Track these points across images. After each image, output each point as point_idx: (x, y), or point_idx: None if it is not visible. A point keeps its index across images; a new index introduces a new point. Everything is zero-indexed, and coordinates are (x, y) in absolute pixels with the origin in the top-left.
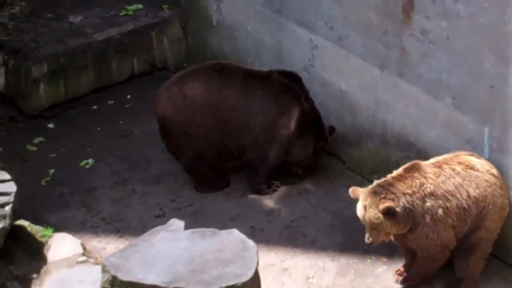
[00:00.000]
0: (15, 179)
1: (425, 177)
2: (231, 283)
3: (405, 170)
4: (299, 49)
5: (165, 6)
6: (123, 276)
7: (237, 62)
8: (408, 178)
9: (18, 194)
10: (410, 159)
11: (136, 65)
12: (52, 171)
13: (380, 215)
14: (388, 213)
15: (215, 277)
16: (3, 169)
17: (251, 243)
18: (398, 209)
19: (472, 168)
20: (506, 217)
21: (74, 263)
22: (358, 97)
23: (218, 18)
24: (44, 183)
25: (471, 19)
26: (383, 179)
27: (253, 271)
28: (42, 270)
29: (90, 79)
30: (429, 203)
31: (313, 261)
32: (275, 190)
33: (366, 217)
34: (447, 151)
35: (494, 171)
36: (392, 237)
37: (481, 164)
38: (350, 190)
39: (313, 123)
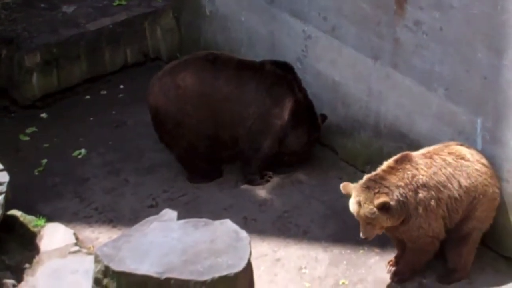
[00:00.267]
0: (7, 169)
1: (417, 169)
2: (223, 273)
3: (396, 161)
4: (292, 39)
5: None
6: (116, 266)
7: (230, 53)
8: (400, 170)
9: (10, 184)
10: (403, 150)
11: (129, 55)
12: (45, 161)
13: (375, 210)
14: (384, 207)
15: (208, 267)
16: None
17: (243, 233)
18: (392, 203)
19: (462, 158)
20: (498, 209)
21: (66, 253)
22: (351, 88)
23: (211, 8)
24: (36, 173)
25: (464, 10)
26: (373, 173)
27: (245, 261)
28: (34, 260)
29: (83, 69)
30: (421, 194)
31: (305, 252)
32: (268, 181)
33: (360, 213)
34: (440, 142)
35: (484, 160)
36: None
37: (472, 154)
38: (342, 186)
39: (306, 112)
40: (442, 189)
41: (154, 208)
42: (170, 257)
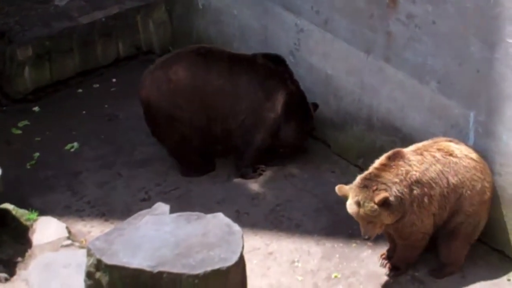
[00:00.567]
0: None
1: (410, 165)
2: (216, 267)
3: (388, 158)
4: (285, 33)
5: None
6: (108, 260)
7: (223, 46)
8: (393, 166)
9: (2, 178)
10: (395, 143)
11: (122, 48)
12: (37, 154)
13: (377, 207)
14: (384, 203)
15: (200, 261)
16: None
17: (236, 227)
18: (391, 198)
19: (451, 154)
20: (491, 202)
21: (59, 247)
22: (343, 81)
23: (204, 1)
24: (29, 167)
25: (457, 3)
26: (367, 172)
27: (238, 255)
28: (27, 254)
29: (75, 62)
30: (415, 191)
31: (298, 245)
32: (260, 174)
33: (361, 212)
34: (432, 135)
35: (474, 155)
36: None
37: (460, 150)
38: (337, 188)
39: (299, 104)
40: (434, 185)
41: (146, 202)
42: (162, 251)
